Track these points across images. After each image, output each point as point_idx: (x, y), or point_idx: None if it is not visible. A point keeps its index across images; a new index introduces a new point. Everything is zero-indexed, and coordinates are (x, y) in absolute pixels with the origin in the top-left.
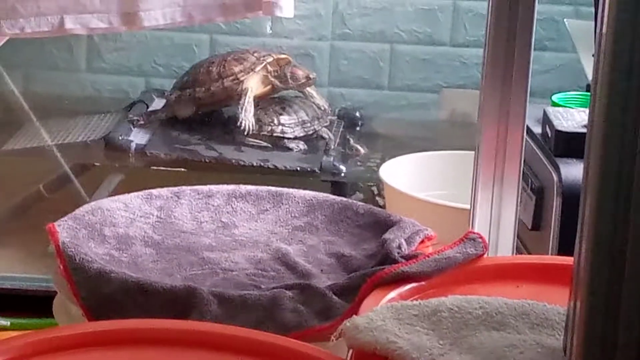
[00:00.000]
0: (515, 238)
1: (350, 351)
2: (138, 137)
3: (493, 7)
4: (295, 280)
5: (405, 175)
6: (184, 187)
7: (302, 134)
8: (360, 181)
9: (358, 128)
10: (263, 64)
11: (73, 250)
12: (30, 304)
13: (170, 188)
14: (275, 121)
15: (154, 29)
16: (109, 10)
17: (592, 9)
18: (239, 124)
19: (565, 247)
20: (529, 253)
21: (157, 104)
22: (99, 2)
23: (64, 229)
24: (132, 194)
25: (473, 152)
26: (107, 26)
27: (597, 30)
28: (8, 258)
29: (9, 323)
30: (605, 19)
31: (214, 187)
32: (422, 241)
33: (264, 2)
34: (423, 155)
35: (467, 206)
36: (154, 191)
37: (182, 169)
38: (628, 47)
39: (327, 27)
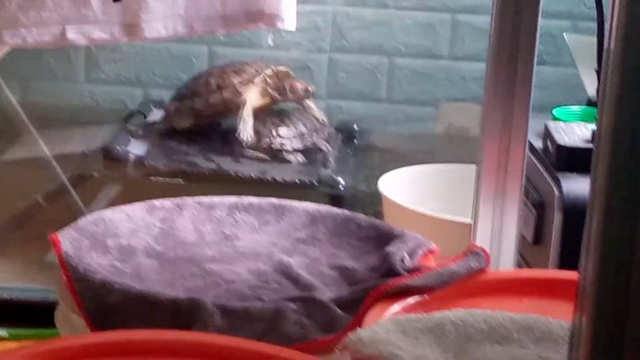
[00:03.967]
0: (517, 252)
1: None
2: (136, 148)
3: (496, 21)
4: (297, 292)
5: (403, 188)
6: (186, 199)
7: (300, 147)
8: (358, 194)
9: (356, 141)
10: (262, 76)
11: (76, 260)
12: (28, 315)
13: (173, 199)
14: (274, 133)
15: (155, 40)
16: (110, 21)
17: (590, 24)
18: (237, 135)
19: (566, 262)
20: (530, 268)
21: (156, 115)
22: (100, 13)
23: (66, 239)
24: (135, 205)
25: (471, 165)
26: (109, 37)
27: (605, 46)
28: (5, 268)
29: (6, 334)
30: (613, 34)
31: (216, 199)
32: (425, 254)
33: (266, 14)
34: (421, 169)
35: (465, 220)
36: (157, 202)
37: (180, 180)
38: (636, 63)
39: (326, 40)
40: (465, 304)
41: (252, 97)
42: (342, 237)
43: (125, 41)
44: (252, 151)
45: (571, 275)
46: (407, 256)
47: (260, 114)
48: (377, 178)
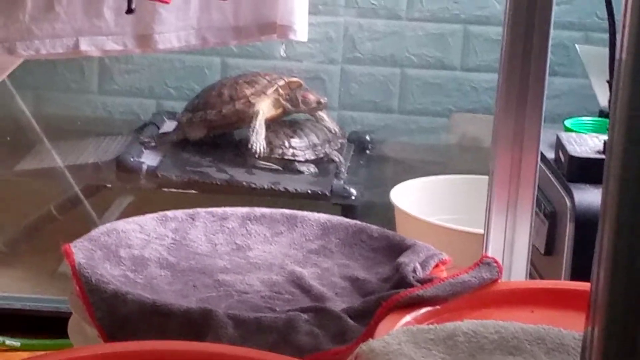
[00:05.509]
0: (529, 263)
1: None
2: (149, 159)
3: (508, 32)
4: (309, 303)
5: (415, 199)
6: (198, 210)
7: (312, 157)
8: (370, 205)
9: (368, 152)
10: (274, 87)
11: (89, 271)
12: (41, 325)
13: (185, 210)
14: (286, 144)
15: (168, 51)
16: (123, 32)
17: (602, 35)
18: (250, 146)
19: (578, 273)
20: (542, 278)
21: (169, 126)
22: (113, 24)
23: (79, 250)
24: (147, 216)
25: (483, 176)
26: (122, 48)
27: (617, 57)
28: (19, 278)
29: (19, 344)
30: (625, 45)
31: (228, 210)
32: (437, 265)
33: (279, 25)
34: (433, 179)
35: (478, 230)
36: (169, 213)
37: (193, 191)
38: None
39: (338, 51)
40: (477, 315)
41: (265, 108)
42: (354, 247)
43: (138, 52)
44: (264, 162)
45: (583, 286)
46: (419, 267)
47: (273, 125)
48: (390, 189)
